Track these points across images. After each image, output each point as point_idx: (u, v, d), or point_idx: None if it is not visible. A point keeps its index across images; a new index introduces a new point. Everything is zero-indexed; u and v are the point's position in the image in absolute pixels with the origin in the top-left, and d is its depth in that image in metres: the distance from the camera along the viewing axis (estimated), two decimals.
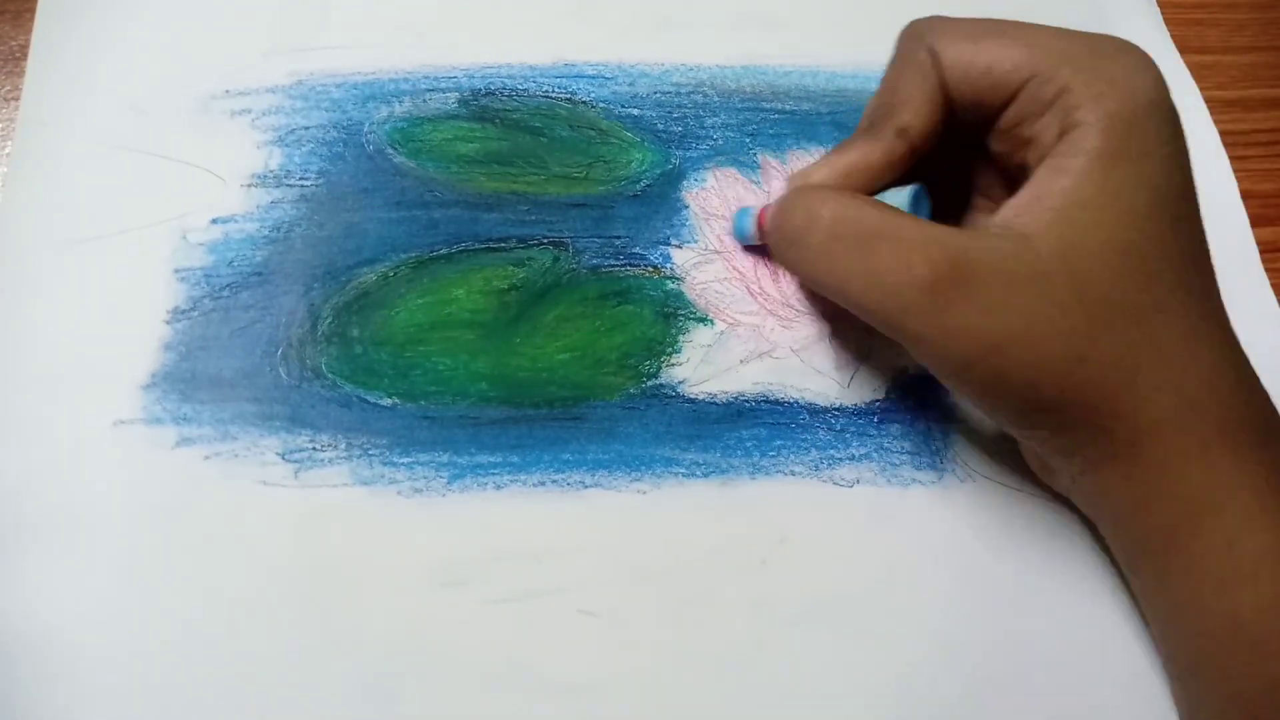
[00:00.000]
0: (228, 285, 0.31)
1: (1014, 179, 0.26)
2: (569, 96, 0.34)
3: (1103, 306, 0.23)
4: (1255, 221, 0.34)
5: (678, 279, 0.32)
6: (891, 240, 0.24)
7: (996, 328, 0.23)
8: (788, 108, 0.35)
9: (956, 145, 0.27)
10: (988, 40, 0.25)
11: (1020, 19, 0.36)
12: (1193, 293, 0.24)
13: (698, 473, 0.29)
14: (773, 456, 0.29)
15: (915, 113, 0.26)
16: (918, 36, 0.26)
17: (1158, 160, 0.24)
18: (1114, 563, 0.28)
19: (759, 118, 0.35)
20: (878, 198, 0.27)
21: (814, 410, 0.30)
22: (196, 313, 0.30)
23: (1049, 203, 0.23)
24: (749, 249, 0.32)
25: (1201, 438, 0.23)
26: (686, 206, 0.33)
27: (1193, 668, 0.25)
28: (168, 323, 0.30)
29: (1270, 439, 0.24)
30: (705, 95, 0.35)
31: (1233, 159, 0.35)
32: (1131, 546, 0.26)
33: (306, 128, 0.33)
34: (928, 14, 0.36)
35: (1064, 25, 0.36)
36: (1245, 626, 0.23)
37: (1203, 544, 0.23)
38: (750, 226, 0.31)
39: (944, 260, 0.23)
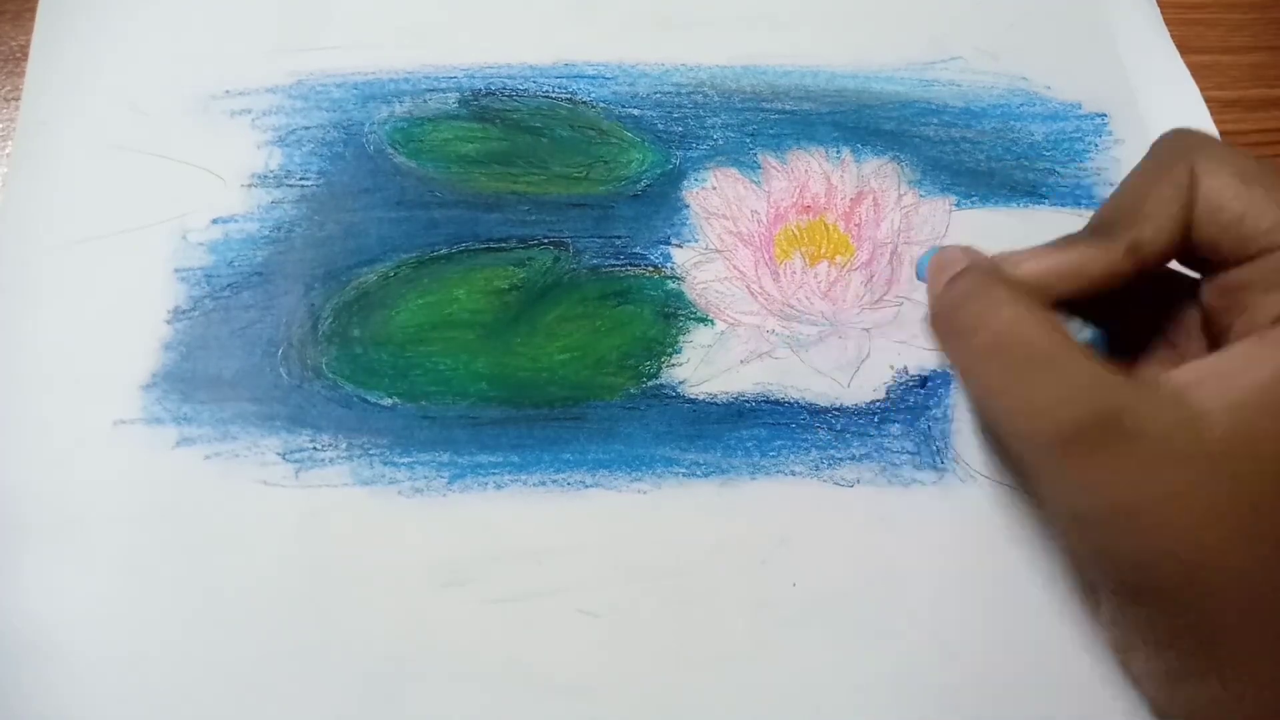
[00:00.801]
0: (228, 285, 0.31)
1: (1211, 336, 0.24)
2: (569, 96, 0.34)
3: (1253, 515, 0.21)
4: None
5: (678, 279, 0.32)
6: (1055, 372, 0.22)
7: (1134, 493, 0.21)
8: (788, 108, 0.35)
9: (1166, 283, 0.25)
10: (1256, 187, 0.23)
11: (1021, 20, 0.37)
12: None
13: (698, 473, 0.29)
14: (773, 456, 0.29)
15: (1157, 230, 0.23)
16: (1180, 150, 0.24)
17: None
18: None
19: (759, 118, 0.35)
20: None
21: (814, 410, 0.30)
22: (197, 312, 0.30)
23: (1235, 384, 0.21)
24: (746, 249, 0.32)
25: None
26: (687, 206, 0.33)
27: None
28: (168, 322, 0.30)
29: None
30: (705, 95, 0.35)
31: None
32: None
33: (307, 128, 0.33)
34: (926, 14, 0.37)
35: (1063, 26, 0.37)
36: None
37: None
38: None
39: (1106, 407, 0.21)
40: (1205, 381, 0.21)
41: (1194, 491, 0.21)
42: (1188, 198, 0.23)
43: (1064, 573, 0.28)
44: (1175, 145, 0.24)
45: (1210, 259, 0.24)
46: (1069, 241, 0.25)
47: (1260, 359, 0.21)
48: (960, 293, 0.25)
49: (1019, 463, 0.24)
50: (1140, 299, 0.26)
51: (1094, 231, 0.25)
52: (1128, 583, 0.23)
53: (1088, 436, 0.21)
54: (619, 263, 0.32)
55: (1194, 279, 0.25)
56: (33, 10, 0.34)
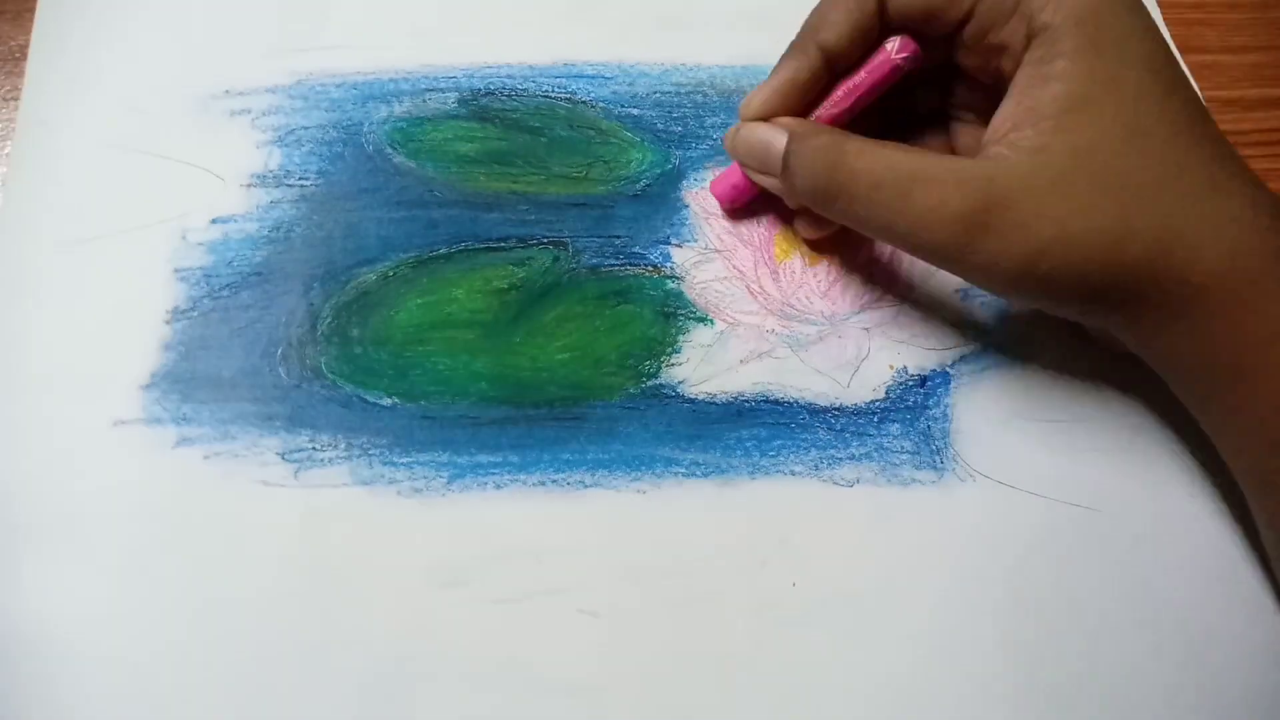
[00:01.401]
0: (228, 285, 0.31)
1: (990, 89, 0.27)
2: (569, 96, 0.34)
3: (1126, 190, 0.24)
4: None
5: (678, 278, 0.32)
6: (925, 181, 0.26)
7: (1034, 240, 0.25)
8: None
9: (929, 74, 0.29)
10: None
11: None
12: (1206, 145, 0.25)
13: (697, 473, 0.29)
14: (773, 456, 0.29)
15: (834, 28, 0.28)
16: None
17: (1135, 39, 0.25)
18: (1111, 562, 0.28)
19: None
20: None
21: (814, 410, 0.30)
22: (196, 312, 0.30)
23: (1045, 111, 0.25)
24: (746, 248, 0.32)
25: (1250, 277, 0.24)
26: (686, 206, 0.33)
27: (1265, 483, 0.26)
28: (168, 323, 0.30)
29: None
30: (705, 95, 0.35)
31: None
32: (1201, 391, 0.27)
33: (306, 128, 0.33)
34: None
35: None
36: None
37: (1268, 370, 0.25)
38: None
39: (975, 192, 0.25)
40: (1021, 123, 0.25)
41: (1074, 206, 0.25)
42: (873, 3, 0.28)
43: (1063, 572, 0.28)
44: None
45: (943, 30, 0.28)
46: (779, 63, 0.30)
47: (1044, 78, 0.25)
48: (818, 160, 0.28)
49: (938, 265, 0.27)
50: (925, 100, 0.31)
51: (790, 48, 0.29)
52: (1082, 302, 0.26)
53: (978, 221, 0.25)
54: (619, 262, 0.32)
55: (952, 62, 0.29)
56: (33, 10, 0.34)
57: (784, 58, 0.29)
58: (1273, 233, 0.25)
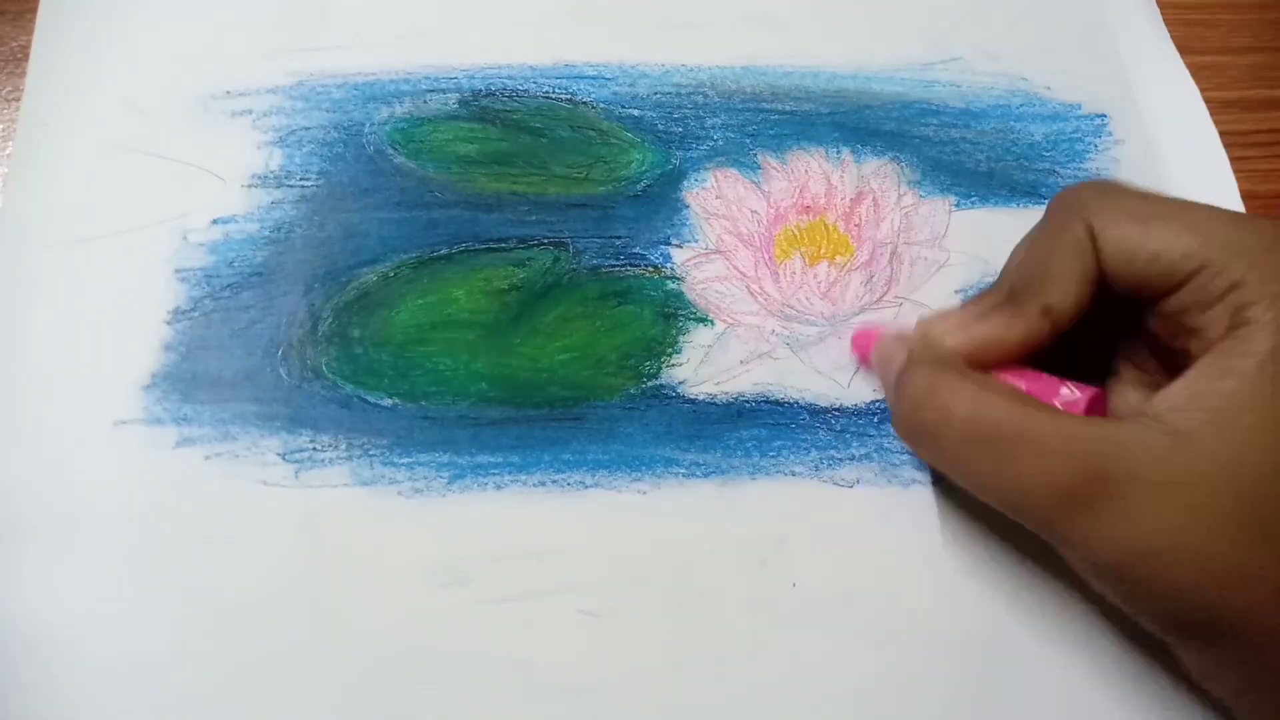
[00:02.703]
0: (228, 285, 0.31)
1: (1170, 358, 0.25)
2: (569, 97, 0.34)
3: (1270, 523, 0.21)
4: None
5: (678, 279, 0.32)
6: (1029, 445, 0.23)
7: (1145, 536, 0.21)
8: (788, 108, 0.35)
9: (1110, 312, 0.25)
10: (1155, 225, 0.24)
11: (1022, 21, 0.37)
12: None
13: (698, 473, 0.29)
14: (773, 457, 0.29)
15: (1064, 294, 0.24)
16: (1074, 208, 0.25)
17: None
18: None
19: (759, 118, 0.35)
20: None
21: (814, 410, 0.30)
22: (197, 313, 0.30)
23: (1211, 403, 0.22)
24: (746, 249, 0.32)
25: None
26: (687, 207, 0.33)
27: None
28: (168, 323, 0.30)
29: None
30: (705, 96, 0.35)
31: (1233, 159, 0.35)
32: None
33: (307, 128, 0.33)
34: (924, 15, 0.37)
35: (1063, 26, 0.37)
36: None
37: None
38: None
39: (1086, 467, 0.22)
40: (1180, 406, 0.22)
41: (1201, 517, 0.21)
42: (1091, 255, 0.24)
43: (1063, 572, 0.28)
44: (1065, 204, 0.25)
45: (1146, 298, 0.24)
46: (983, 308, 0.26)
47: (1226, 371, 0.22)
48: (915, 394, 0.25)
49: (1040, 534, 0.24)
50: (1096, 329, 0.26)
51: (1006, 298, 0.26)
52: (1173, 625, 0.23)
53: (1081, 497, 0.22)
54: (619, 263, 0.32)
55: (1142, 321, 0.26)
56: (33, 10, 0.34)
57: (990, 306, 0.26)
58: None
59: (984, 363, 0.25)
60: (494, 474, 0.29)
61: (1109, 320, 0.26)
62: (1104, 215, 0.24)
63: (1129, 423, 0.23)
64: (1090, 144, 0.35)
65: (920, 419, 0.25)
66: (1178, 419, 0.22)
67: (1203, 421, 0.22)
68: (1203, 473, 0.21)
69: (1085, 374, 0.26)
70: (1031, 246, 0.26)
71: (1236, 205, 0.34)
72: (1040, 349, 0.25)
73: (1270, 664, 0.22)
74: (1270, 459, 0.21)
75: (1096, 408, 0.25)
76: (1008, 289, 0.26)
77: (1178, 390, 0.23)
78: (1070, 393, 0.25)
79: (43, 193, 0.32)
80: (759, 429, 0.30)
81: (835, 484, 0.29)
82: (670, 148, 0.34)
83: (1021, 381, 0.25)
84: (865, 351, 0.30)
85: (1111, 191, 0.25)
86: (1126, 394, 0.27)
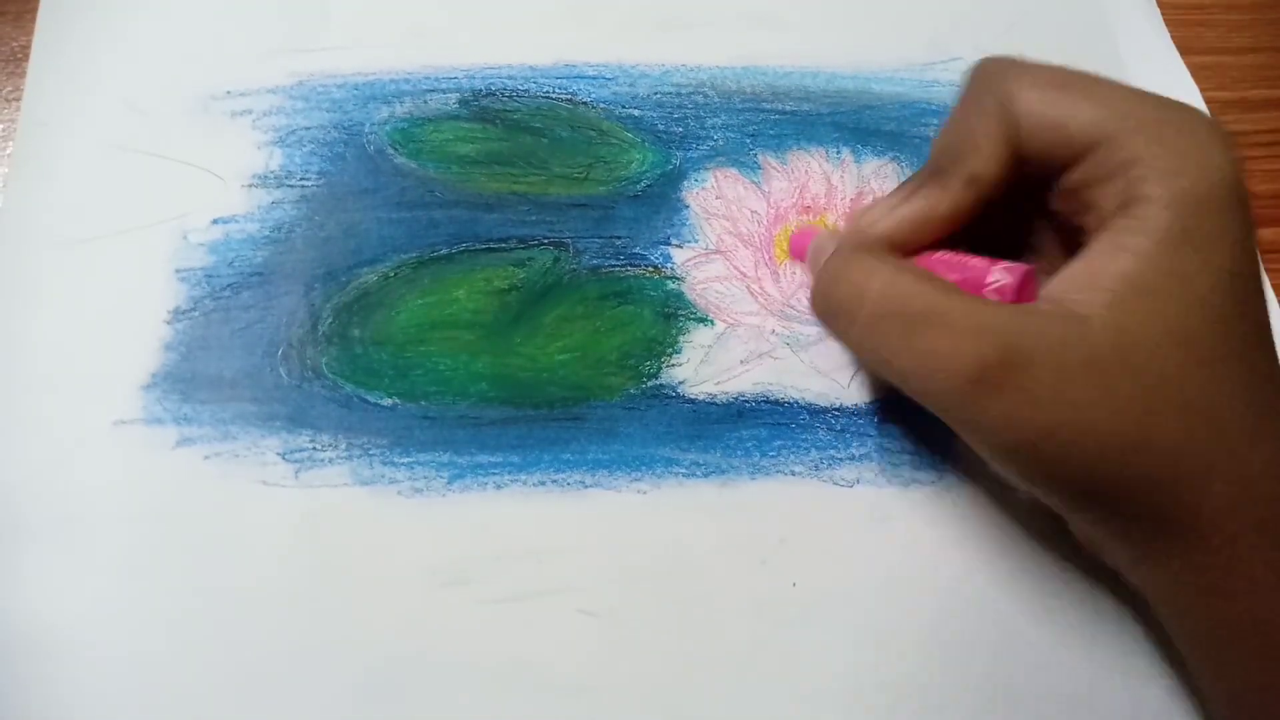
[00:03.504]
0: (228, 285, 0.31)
1: (1071, 240, 0.25)
2: (569, 97, 0.34)
3: (1160, 395, 0.22)
4: (1256, 223, 0.34)
5: (678, 279, 0.32)
6: (939, 325, 0.23)
7: (1047, 417, 0.22)
8: (788, 108, 0.35)
9: (1015, 197, 0.26)
10: (1064, 94, 0.24)
11: (1022, 20, 0.37)
12: (1256, 380, 0.23)
13: (698, 473, 0.29)
14: (773, 456, 0.29)
15: (986, 161, 0.25)
16: (991, 78, 0.25)
17: (1226, 245, 0.22)
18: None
19: (759, 118, 0.35)
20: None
21: (814, 410, 0.30)
22: (197, 313, 0.30)
23: (1106, 284, 0.22)
24: (746, 249, 0.32)
25: (1269, 530, 0.22)
26: (687, 207, 0.33)
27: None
28: (168, 323, 0.30)
29: None
30: (706, 96, 0.35)
31: None
32: (1194, 635, 0.25)
33: (307, 128, 0.33)
34: (925, 15, 0.37)
35: (1063, 26, 0.37)
36: None
37: (1278, 637, 0.22)
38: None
39: (993, 348, 0.22)
40: (1078, 287, 0.23)
41: (1099, 396, 0.22)
42: (1009, 122, 0.24)
43: (1063, 573, 0.28)
44: (982, 74, 0.25)
45: (1045, 170, 0.25)
46: (909, 188, 0.26)
47: (1120, 249, 0.23)
48: (832, 273, 0.25)
49: (941, 416, 0.25)
50: (1000, 229, 0.27)
51: (931, 174, 0.26)
52: (1067, 495, 0.24)
53: (987, 378, 0.22)
54: (619, 263, 0.32)
55: (1043, 201, 0.26)
56: (33, 11, 0.34)
57: (916, 185, 0.26)
58: None
59: (917, 244, 0.26)
60: (494, 474, 0.29)
61: (1015, 206, 0.26)
62: (1018, 83, 0.24)
63: (1032, 308, 0.23)
64: None
65: (836, 295, 0.25)
66: (1076, 302, 0.23)
67: (1099, 304, 0.22)
68: (1100, 355, 0.22)
69: (990, 254, 0.26)
70: (951, 122, 0.26)
71: None
72: (967, 221, 0.25)
73: (1160, 532, 0.23)
74: (1161, 337, 0.22)
75: (1028, 286, 0.25)
76: (932, 167, 0.26)
77: (1076, 271, 0.23)
78: (1002, 275, 0.25)
79: (43, 193, 0.32)
80: (759, 429, 0.30)
81: (835, 484, 0.29)
82: (670, 148, 0.34)
83: (952, 271, 0.25)
84: (802, 251, 0.31)
85: (1022, 62, 0.25)
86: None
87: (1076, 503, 0.24)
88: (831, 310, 0.26)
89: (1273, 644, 0.23)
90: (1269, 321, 0.24)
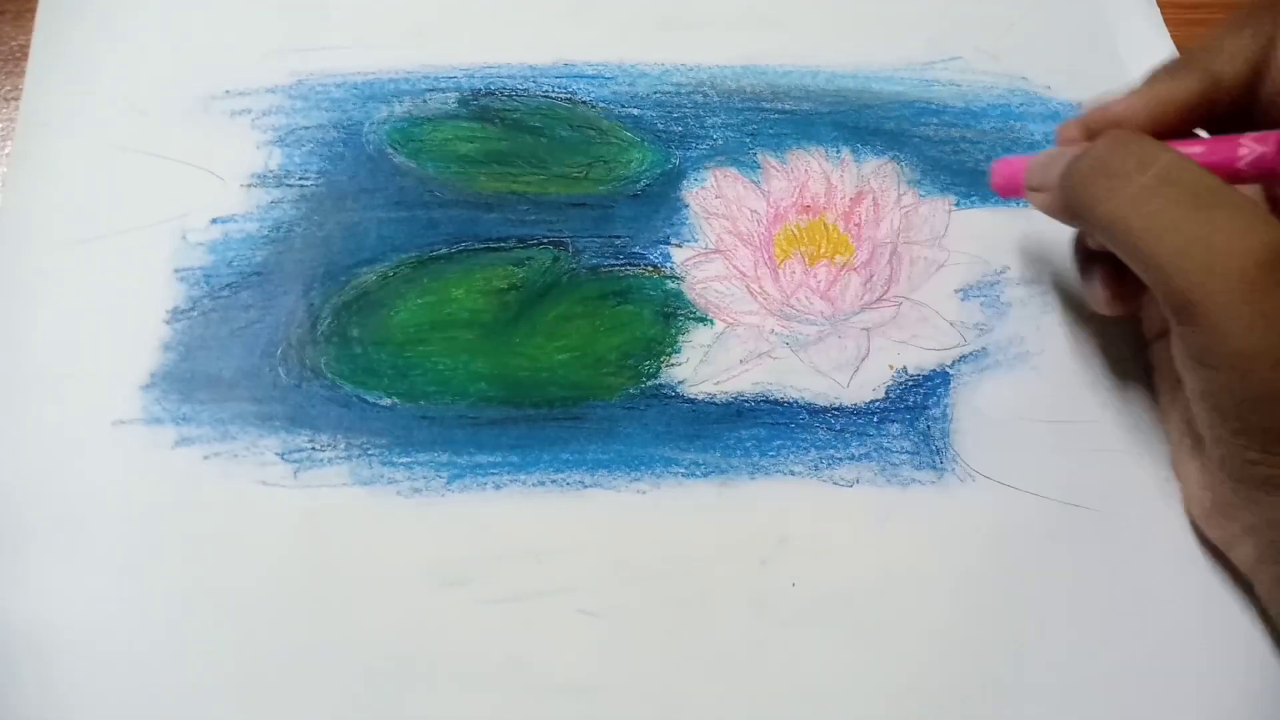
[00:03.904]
0: (227, 285, 0.31)
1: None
2: (569, 96, 0.34)
3: None
4: None
5: (677, 278, 0.32)
6: (1232, 204, 0.22)
7: None
8: (788, 108, 0.35)
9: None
10: None
11: (1022, 20, 0.37)
12: None
13: (697, 473, 0.29)
14: (773, 456, 0.29)
15: (1232, 62, 0.25)
16: (1270, 5, 0.25)
17: None
18: (1111, 562, 0.28)
19: (759, 118, 0.35)
20: None
21: (814, 410, 0.30)
22: (196, 312, 0.30)
23: None
24: (746, 248, 0.32)
25: None
26: (686, 206, 0.33)
27: None
28: (167, 323, 0.30)
29: None
30: (705, 95, 0.35)
31: None
32: None
33: (306, 128, 0.33)
34: (925, 14, 0.37)
35: (1063, 26, 0.37)
36: None
37: None
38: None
39: None
40: None
41: None
42: (1267, 43, 0.24)
43: (1063, 573, 0.28)
44: (1266, 3, 0.25)
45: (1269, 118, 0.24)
46: (1153, 77, 0.26)
47: None
48: (1111, 144, 0.24)
49: (1180, 309, 0.23)
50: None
51: (1177, 65, 0.26)
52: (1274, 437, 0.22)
53: (1273, 270, 0.21)
54: (618, 262, 0.32)
55: None
56: (33, 10, 0.34)
57: (1159, 73, 0.26)
58: None
59: (1153, 128, 0.25)
60: (493, 474, 0.29)
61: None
62: None
63: None
64: None
65: (1115, 159, 0.24)
66: None
67: None
68: None
69: None
70: (1216, 29, 0.26)
71: None
72: (1206, 116, 0.25)
73: None
74: None
75: None
76: (1179, 61, 0.26)
77: None
78: (1252, 145, 0.24)
79: (42, 193, 0.32)
80: (758, 429, 0.30)
81: (835, 483, 0.29)
82: (670, 147, 0.34)
83: (1200, 146, 0.25)
84: (1007, 179, 0.29)
85: None
86: None
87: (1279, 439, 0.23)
88: (1104, 173, 0.24)
89: None
90: None
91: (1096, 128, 0.26)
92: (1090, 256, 0.29)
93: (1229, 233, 0.22)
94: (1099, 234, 0.25)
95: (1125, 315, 0.29)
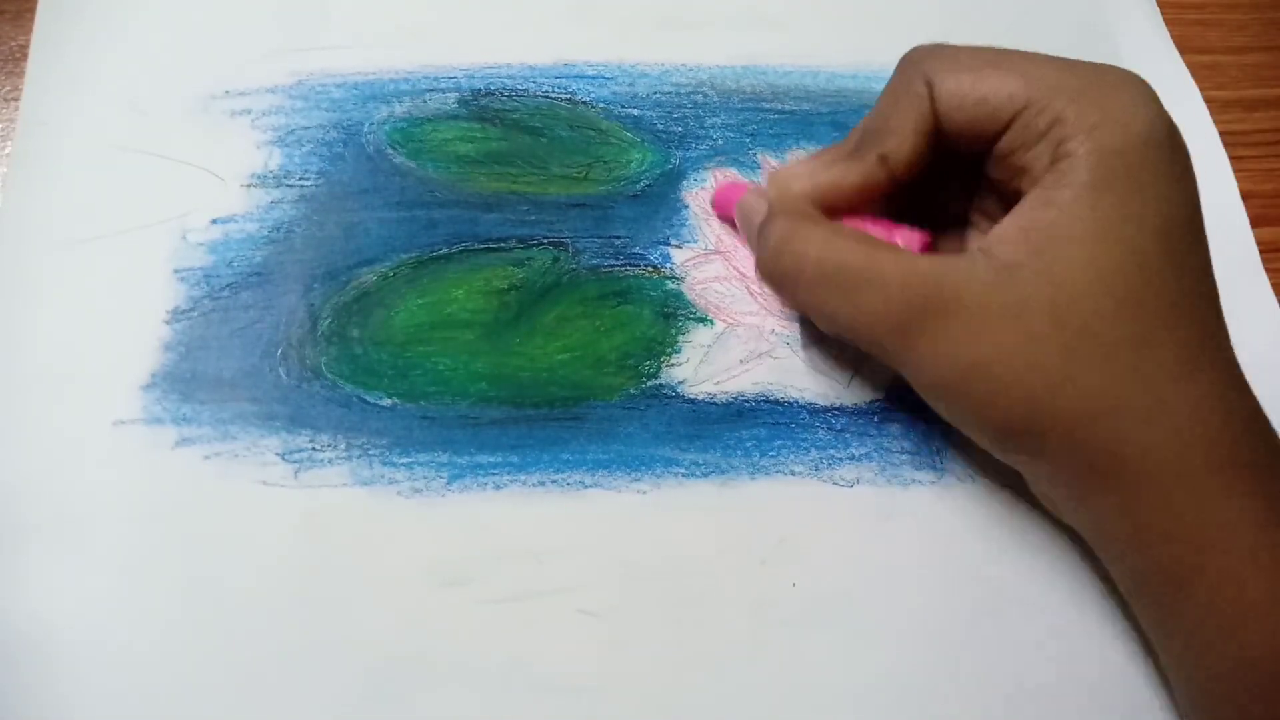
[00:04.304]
0: (228, 285, 0.31)
1: (1010, 204, 0.26)
2: (569, 97, 0.34)
3: (1081, 339, 0.23)
4: (1255, 222, 0.34)
5: (677, 279, 0.32)
6: (872, 280, 0.25)
7: (968, 355, 0.24)
8: (788, 108, 0.35)
9: (959, 168, 0.27)
10: (986, 71, 0.25)
11: (1021, 20, 0.37)
12: (1187, 325, 0.24)
13: (697, 473, 0.29)
14: (773, 456, 0.29)
15: (900, 142, 0.26)
16: (915, 64, 0.26)
17: (1152, 194, 0.23)
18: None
19: (759, 118, 0.35)
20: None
21: (814, 410, 0.30)
22: (196, 313, 0.30)
23: (1033, 235, 0.24)
24: (746, 248, 0.32)
25: (1194, 473, 0.23)
26: (686, 206, 0.33)
27: (1204, 706, 0.24)
28: (168, 323, 0.30)
29: (1272, 474, 0.23)
30: (705, 95, 0.35)
31: (1233, 159, 0.35)
32: (1133, 580, 0.25)
33: (306, 128, 0.33)
34: (925, 14, 0.37)
35: (1063, 26, 0.37)
36: (1256, 667, 0.22)
37: (1207, 584, 0.23)
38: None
39: (920, 295, 0.24)
40: (1008, 240, 0.24)
41: (1022, 339, 0.23)
42: (928, 105, 0.26)
43: (1062, 573, 0.28)
44: (908, 62, 0.27)
45: (981, 144, 0.26)
46: (828, 157, 0.28)
47: (1047, 203, 0.24)
48: (776, 243, 0.27)
49: (882, 360, 0.27)
50: (950, 199, 0.29)
51: (849, 149, 0.27)
52: (999, 434, 0.25)
53: (915, 322, 0.24)
54: (618, 263, 0.32)
55: (983, 171, 0.27)
56: (33, 10, 0.34)
57: (837, 155, 0.27)
58: (1230, 432, 0.23)
59: (832, 209, 0.27)
60: (493, 474, 0.29)
61: (959, 175, 0.28)
62: (940, 67, 0.26)
63: (961, 257, 0.25)
64: None
65: (781, 265, 0.27)
66: (1005, 252, 0.24)
67: (1027, 253, 0.24)
68: (1023, 297, 0.23)
69: (944, 227, 0.29)
70: (878, 103, 0.27)
71: (1236, 206, 0.34)
72: (880, 195, 0.27)
73: (1090, 473, 0.24)
74: (1082, 282, 0.23)
75: (928, 251, 0.27)
76: (854, 141, 0.27)
77: (1007, 225, 0.25)
78: (907, 235, 0.27)
79: (42, 193, 0.32)
80: (759, 429, 0.30)
81: (835, 484, 0.29)
82: (670, 147, 0.34)
83: (865, 227, 0.27)
84: (725, 207, 0.32)
85: (949, 48, 0.27)
86: (974, 243, 0.29)
87: (1004, 441, 0.26)
88: (778, 278, 0.27)
89: (1203, 586, 0.23)
90: (1208, 266, 0.25)
91: (776, 204, 0.28)
92: None
93: (872, 309, 0.25)
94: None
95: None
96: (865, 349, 0.27)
